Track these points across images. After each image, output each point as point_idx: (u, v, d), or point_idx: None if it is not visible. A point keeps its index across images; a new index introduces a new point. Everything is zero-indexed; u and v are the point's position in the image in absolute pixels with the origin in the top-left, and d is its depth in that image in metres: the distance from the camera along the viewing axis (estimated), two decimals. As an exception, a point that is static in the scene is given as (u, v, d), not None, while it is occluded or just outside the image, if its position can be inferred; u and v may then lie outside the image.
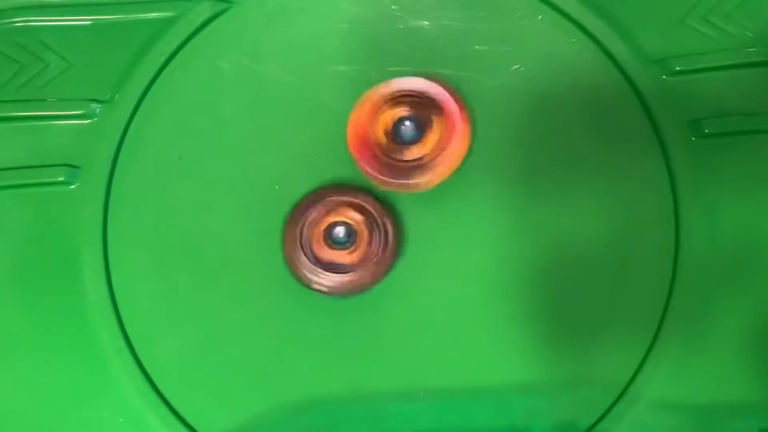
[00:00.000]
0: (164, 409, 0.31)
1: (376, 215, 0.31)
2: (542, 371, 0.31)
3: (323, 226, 0.31)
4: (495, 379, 0.31)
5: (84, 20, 0.33)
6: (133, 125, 0.32)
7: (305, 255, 0.30)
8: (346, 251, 0.31)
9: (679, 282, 0.31)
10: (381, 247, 0.31)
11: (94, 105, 0.32)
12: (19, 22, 0.32)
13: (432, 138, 0.30)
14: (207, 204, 0.32)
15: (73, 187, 0.32)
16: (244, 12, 0.33)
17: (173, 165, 0.32)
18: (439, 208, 0.32)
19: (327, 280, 0.31)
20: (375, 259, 0.31)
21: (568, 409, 0.31)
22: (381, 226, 0.31)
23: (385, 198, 0.32)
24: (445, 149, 0.30)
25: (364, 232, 0.30)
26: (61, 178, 0.32)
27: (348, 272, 0.31)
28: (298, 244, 0.30)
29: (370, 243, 0.30)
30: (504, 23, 0.32)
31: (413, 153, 0.30)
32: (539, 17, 0.33)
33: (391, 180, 0.30)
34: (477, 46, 0.32)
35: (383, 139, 0.30)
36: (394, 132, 0.30)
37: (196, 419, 0.31)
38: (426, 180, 0.30)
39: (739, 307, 0.31)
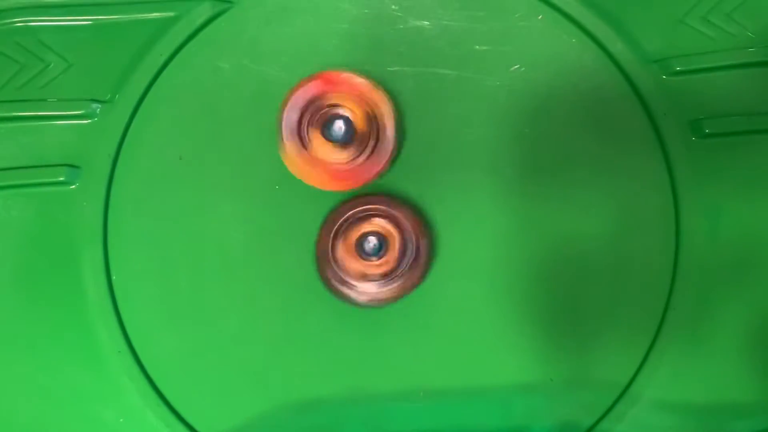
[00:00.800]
0: (164, 409, 0.31)
1: (408, 226, 0.30)
2: (543, 371, 0.31)
3: (355, 236, 0.30)
4: (495, 379, 0.31)
5: (84, 20, 0.33)
6: (133, 125, 0.32)
7: (337, 266, 0.30)
8: (377, 262, 0.30)
9: (679, 282, 0.31)
10: (413, 257, 0.30)
11: (94, 105, 0.32)
12: (19, 22, 0.32)
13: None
14: (207, 204, 0.32)
15: (73, 187, 0.32)
16: (244, 12, 0.33)
17: (173, 165, 0.32)
18: (436, 206, 0.32)
19: (360, 292, 0.30)
20: (406, 269, 0.30)
21: (568, 409, 0.31)
22: (413, 237, 0.30)
23: (419, 208, 0.32)
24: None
25: (395, 242, 0.30)
26: (61, 178, 0.32)
27: (380, 282, 0.30)
28: (331, 255, 0.30)
29: (402, 254, 0.30)
30: (504, 23, 0.32)
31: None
32: (539, 17, 0.33)
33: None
34: (477, 46, 0.32)
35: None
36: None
37: (196, 419, 0.31)
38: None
39: (739, 307, 0.31)
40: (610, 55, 0.32)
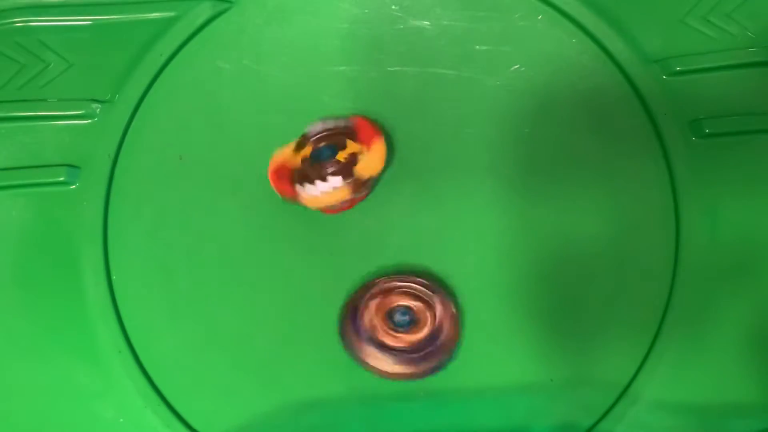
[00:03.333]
0: (164, 409, 0.31)
1: (430, 300, 0.30)
2: (543, 372, 0.31)
3: (384, 312, 0.30)
4: (496, 379, 0.31)
5: (84, 20, 0.33)
6: (133, 125, 0.32)
7: (372, 346, 0.30)
8: (408, 334, 0.30)
9: (679, 282, 0.31)
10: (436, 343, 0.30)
11: (94, 105, 0.32)
12: (19, 22, 0.32)
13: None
14: (207, 204, 0.32)
15: (73, 187, 0.32)
16: (244, 12, 0.33)
17: (173, 165, 0.32)
18: (435, 205, 0.32)
19: (396, 368, 0.30)
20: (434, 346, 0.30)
21: (568, 409, 0.31)
22: (435, 310, 0.30)
23: (438, 279, 0.31)
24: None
25: (425, 317, 0.30)
26: (61, 178, 0.32)
27: (416, 358, 0.30)
28: (363, 336, 0.30)
29: (430, 328, 0.30)
30: (504, 23, 0.32)
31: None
32: (539, 17, 0.33)
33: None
34: (477, 46, 0.32)
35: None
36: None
37: (196, 419, 0.31)
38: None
39: (739, 307, 0.31)
40: (610, 55, 0.32)
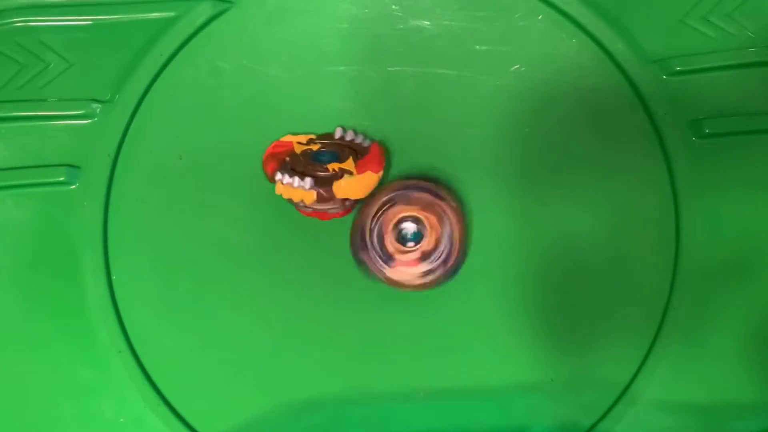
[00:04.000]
0: (164, 409, 0.31)
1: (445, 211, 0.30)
2: (543, 372, 0.31)
3: (393, 222, 0.30)
4: (496, 380, 0.31)
5: (84, 20, 0.33)
6: (133, 125, 0.32)
7: (375, 249, 0.30)
8: (415, 248, 0.30)
9: (679, 282, 0.31)
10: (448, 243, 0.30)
11: (94, 105, 0.32)
12: (19, 22, 0.32)
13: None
14: (207, 204, 0.32)
15: (73, 187, 0.32)
16: (244, 12, 0.33)
17: (173, 165, 0.32)
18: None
19: (399, 273, 0.30)
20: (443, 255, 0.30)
21: (568, 409, 0.31)
22: (449, 221, 0.30)
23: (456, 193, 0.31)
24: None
25: (434, 228, 0.30)
26: (61, 178, 0.32)
27: (418, 267, 0.30)
28: (368, 239, 0.30)
29: (438, 240, 0.30)
30: (504, 23, 0.32)
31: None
32: (539, 17, 0.33)
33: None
34: (477, 46, 0.32)
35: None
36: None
37: (196, 419, 0.31)
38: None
39: (739, 307, 0.31)
40: (610, 55, 0.32)
